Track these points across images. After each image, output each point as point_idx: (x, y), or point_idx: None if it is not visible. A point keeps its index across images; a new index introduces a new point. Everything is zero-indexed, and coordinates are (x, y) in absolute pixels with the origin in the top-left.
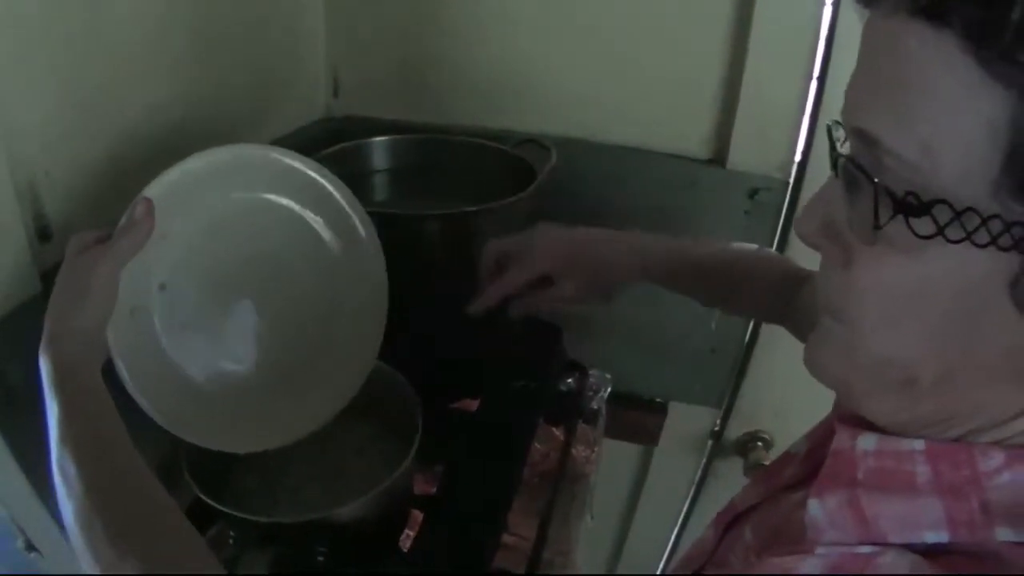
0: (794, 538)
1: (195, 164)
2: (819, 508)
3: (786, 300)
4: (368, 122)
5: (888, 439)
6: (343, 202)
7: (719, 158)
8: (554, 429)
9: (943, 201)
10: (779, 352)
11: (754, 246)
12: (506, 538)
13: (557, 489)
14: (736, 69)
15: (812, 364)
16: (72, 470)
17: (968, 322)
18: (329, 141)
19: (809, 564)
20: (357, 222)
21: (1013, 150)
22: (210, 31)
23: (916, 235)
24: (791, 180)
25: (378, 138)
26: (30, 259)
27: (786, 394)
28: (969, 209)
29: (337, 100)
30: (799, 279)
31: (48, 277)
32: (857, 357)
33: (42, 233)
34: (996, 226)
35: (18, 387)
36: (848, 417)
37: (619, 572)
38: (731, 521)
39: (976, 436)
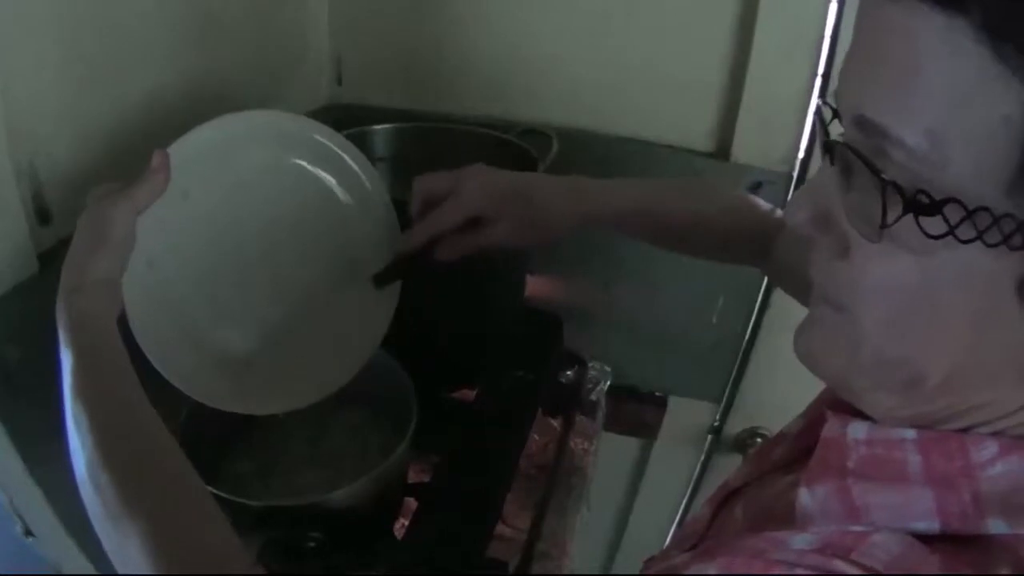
0: (784, 520)
1: (211, 129)
2: (809, 497)
3: (757, 251)
4: (371, 110)
5: (879, 428)
6: (350, 160)
7: (723, 151)
8: (552, 421)
9: (955, 200)
10: (780, 348)
11: (727, 195)
12: (502, 529)
13: (554, 481)
14: (740, 62)
15: (807, 356)
16: (84, 422)
17: (975, 322)
18: (333, 128)
19: (802, 539)
20: (365, 179)
21: None
22: (213, 18)
23: (927, 235)
24: (795, 173)
25: (380, 126)
26: (29, 241)
27: (787, 390)
28: (981, 208)
29: (340, 88)
30: (772, 228)
31: (46, 259)
32: (860, 355)
33: (41, 215)
34: (1008, 225)
35: (16, 368)
36: (839, 404)
37: (617, 566)
38: (724, 499)
39: (974, 430)
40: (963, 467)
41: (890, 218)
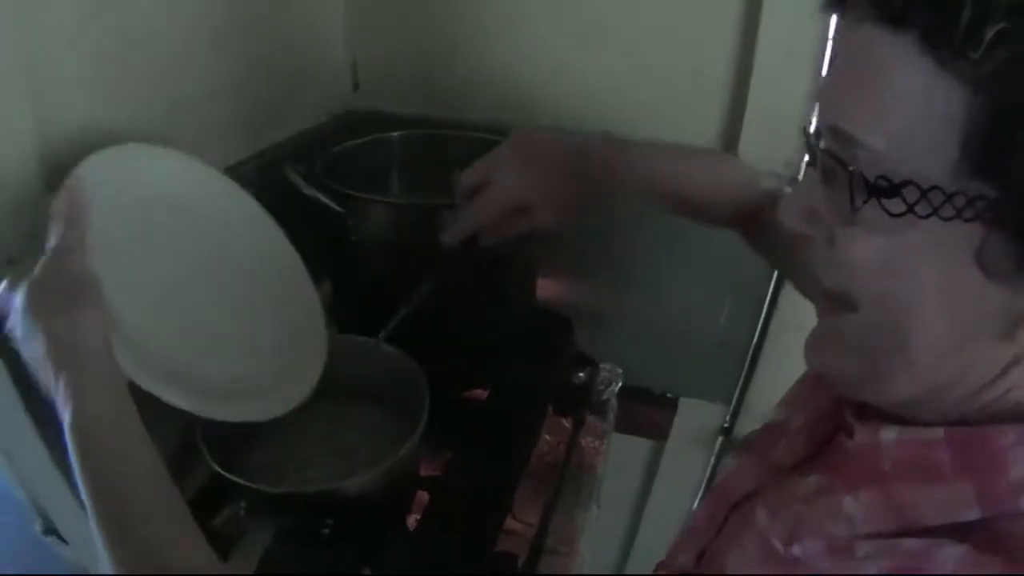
0: (823, 528)
1: (88, 170)
2: (855, 503)
3: (741, 212)
4: (387, 117)
5: (907, 429)
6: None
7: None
8: (564, 421)
9: (911, 182)
10: (788, 349)
11: (749, 168)
12: (513, 524)
13: (563, 477)
14: (745, 68)
15: (822, 365)
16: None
17: (947, 292)
18: (349, 135)
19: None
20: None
21: (969, 138)
22: (233, 27)
23: (889, 214)
24: (800, 176)
25: (394, 133)
26: None
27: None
28: (934, 188)
29: (357, 95)
30: (760, 195)
31: None
32: (856, 338)
33: None
34: (959, 201)
35: None
36: (860, 410)
37: (630, 565)
38: (737, 501)
39: (972, 399)
40: (991, 456)
41: (858, 202)
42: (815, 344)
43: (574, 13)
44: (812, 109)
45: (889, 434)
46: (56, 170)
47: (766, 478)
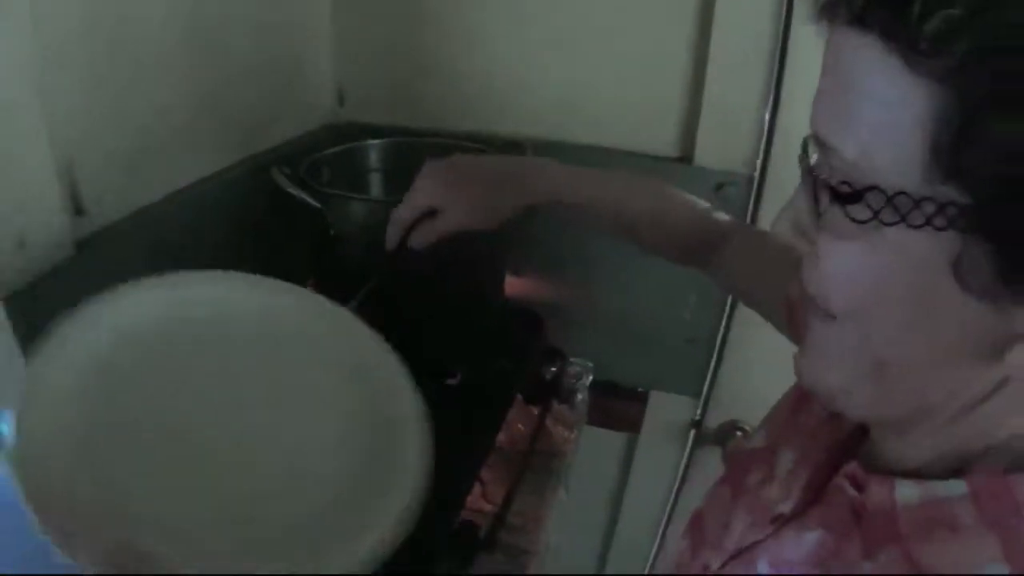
0: None
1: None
2: (873, 565)
3: (705, 256)
4: (370, 128)
5: (928, 487)
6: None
7: (686, 156)
8: (535, 409)
9: (875, 187)
10: (754, 342)
11: (686, 197)
12: (483, 504)
13: (530, 454)
14: (699, 74)
15: (808, 377)
16: None
17: (923, 305)
18: (333, 145)
19: None
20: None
21: (938, 138)
22: (222, 43)
23: (853, 220)
24: (755, 174)
25: (372, 141)
26: (67, 229)
27: (763, 383)
28: (901, 193)
29: (342, 108)
30: (720, 234)
31: (81, 245)
32: (835, 351)
33: (77, 208)
34: (929, 207)
35: None
36: (867, 461)
37: (611, 558)
38: (735, 553)
39: (965, 425)
40: (1013, 506)
41: (821, 207)
42: (803, 360)
43: (541, 32)
44: (767, 109)
45: (908, 492)
46: (65, 166)
47: (761, 526)
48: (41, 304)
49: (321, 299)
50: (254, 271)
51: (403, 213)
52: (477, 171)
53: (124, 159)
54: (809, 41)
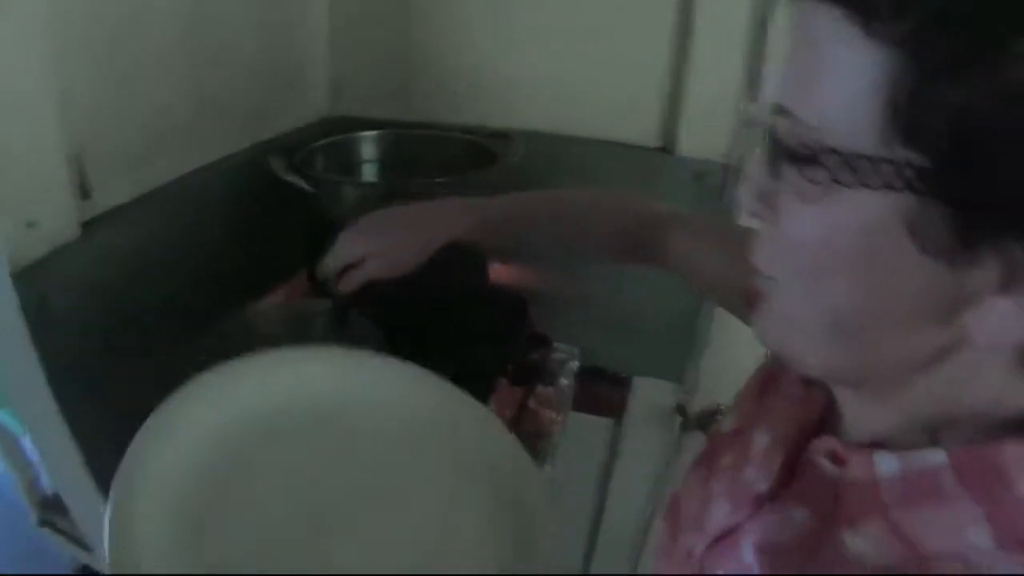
0: (827, 566)
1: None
2: (857, 538)
3: (645, 247)
4: (365, 121)
5: (907, 457)
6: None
7: (668, 146)
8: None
9: (834, 150)
10: (734, 327)
11: (614, 200)
12: None
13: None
14: (680, 67)
15: (766, 337)
16: None
17: (880, 267)
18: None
19: None
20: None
21: (894, 101)
22: (222, 39)
23: (811, 181)
24: (735, 163)
25: (366, 132)
26: (74, 211)
27: (745, 369)
28: (859, 156)
29: (338, 103)
30: (658, 226)
31: (86, 225)
32: (795, 312)
33: (84, 192)
34: (886, 169)
35: (59, 313)
36: (840, 425)
37: (600, 544)
38: (717, 535)
39: (916, 386)
40: (994, 472)
41: (782, 171)
42: (763, 323)
43: (527, 28)
44: (747, 97)
45: (888, 463)
46: (74, 152)
47: (741, 507)
48: (48, 280)
49: (455, 390)
50: (251, 253)
51: (328, 265)
52: (391, 223)
53: (129, 148)
54: (788, 32)
